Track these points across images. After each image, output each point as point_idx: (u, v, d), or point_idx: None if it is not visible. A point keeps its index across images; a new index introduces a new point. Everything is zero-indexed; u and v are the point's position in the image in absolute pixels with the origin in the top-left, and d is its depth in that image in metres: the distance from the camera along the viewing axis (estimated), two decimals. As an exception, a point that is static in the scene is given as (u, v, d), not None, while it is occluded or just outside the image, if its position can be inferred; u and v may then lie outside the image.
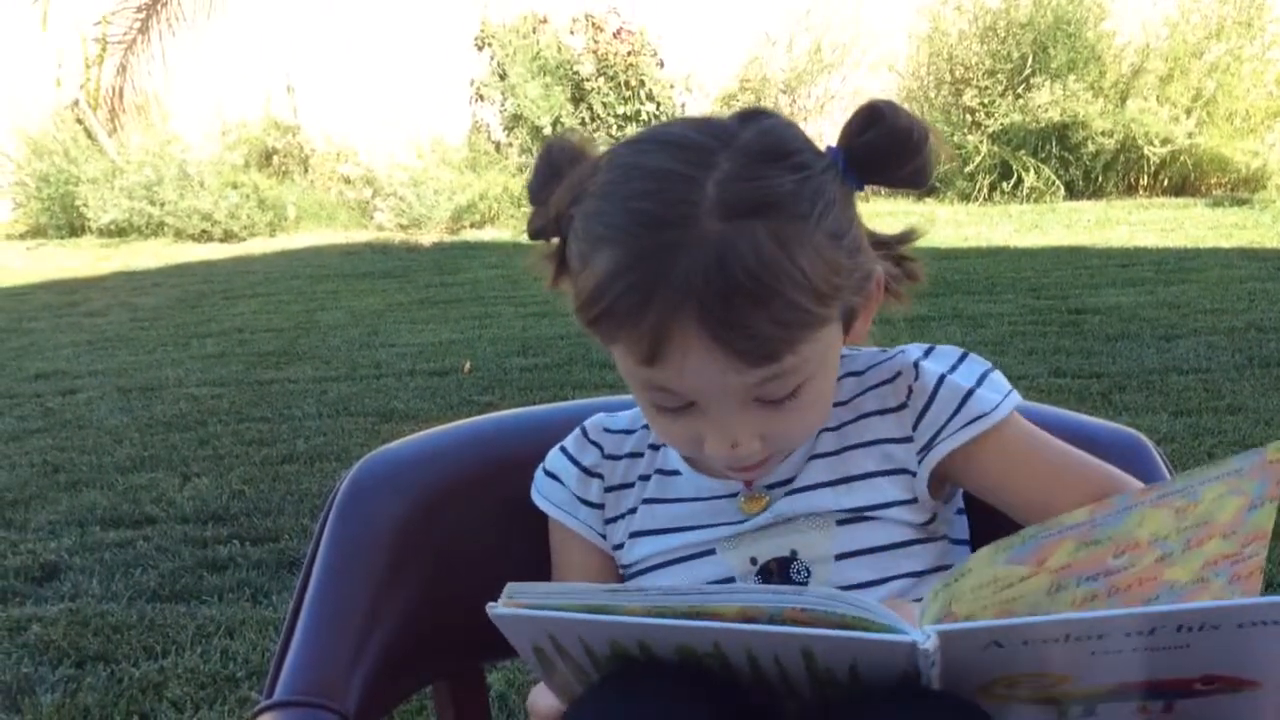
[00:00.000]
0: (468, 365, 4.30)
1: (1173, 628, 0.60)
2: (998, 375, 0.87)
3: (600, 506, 0.92)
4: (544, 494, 0.94)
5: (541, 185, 0.82)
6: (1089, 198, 8.35)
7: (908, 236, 0.86)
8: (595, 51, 9.05)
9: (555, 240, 0.81)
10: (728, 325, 0.71)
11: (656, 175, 0.74)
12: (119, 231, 8.78)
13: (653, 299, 0.71)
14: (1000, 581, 0.66)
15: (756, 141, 0.75)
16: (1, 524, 2.92)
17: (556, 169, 0.81)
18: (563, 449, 0.95)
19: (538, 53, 8.96)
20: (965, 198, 8.31)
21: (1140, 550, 0.69)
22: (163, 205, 8.57)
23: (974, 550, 0.89)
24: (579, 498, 0.93)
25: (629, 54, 9.03)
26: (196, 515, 2.89)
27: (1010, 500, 0.85)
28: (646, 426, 0.92)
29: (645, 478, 0.91)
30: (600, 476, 0.93)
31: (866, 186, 0.80)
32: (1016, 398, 0.85)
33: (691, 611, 0.64)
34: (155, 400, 4.08)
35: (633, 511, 0.91)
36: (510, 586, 0.69)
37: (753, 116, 0.78)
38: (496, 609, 0.68)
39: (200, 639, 2.22)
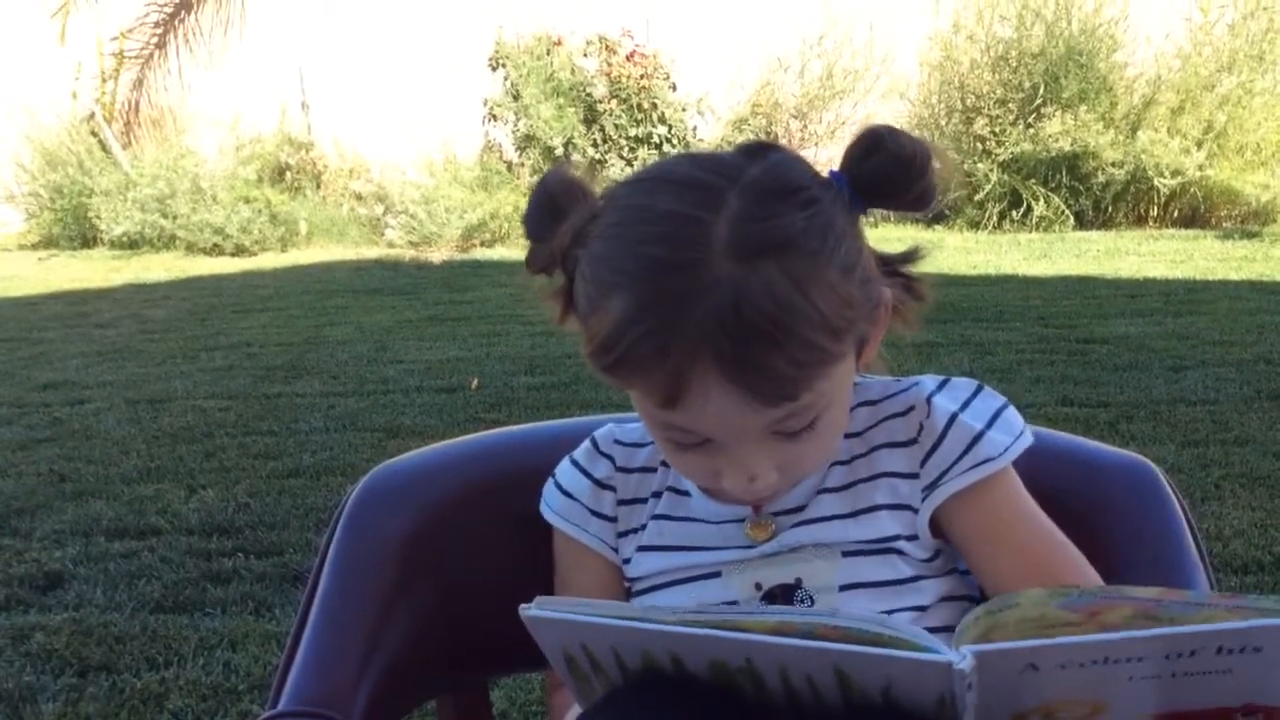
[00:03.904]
0: (475, 382, 4.31)
1: (1213, 649, 0.59)
2: (1011, 413, 0.85)
3: (613, 519, 0.91)
4: (554, 508, 0.93)
5: (540, 222, 0.81)
6: (1098, 228, 8.35)
7: (912, 255, 0.86)
8: (608, 74, 9.09)
9: (560, 277, 0.80)
10: (746, 368, 0.70)
11: (665, 217, 0.73)
12: (131, 244, 8.82)
13: (670, 345, 0.70)
14: (1045, 621, 0.64)
15: (764, 178, 0.74)
16: (7, 532, 2.93)
17: (556, 205, 0.80)
18: (573, 461, 0.94)
19: (551, 74, 9.00)
20: (974, 225, 8.32)
21: None
22: (175, 218, 8.61)
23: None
24: (591, 511, 0.91)
25: (642, 77, 9.07)
26: (201, 527, 2.89)
27: (977, 557, 0.84)
28: None
29: (657, 494, 0.91)
30: (613, 489, 0.92)
31: (872, 212, 0.80)
32: (1028, 439, 0.84)
33: (726, 625, 0.63)
34: (163, 412, 4.09)
35: (643, 527, 0.90)
36: (540, 599, 0.68)
37: (758, 151, 0.77)
38: (530, 610, 0.67)
39: (203, 651, 2.21)
